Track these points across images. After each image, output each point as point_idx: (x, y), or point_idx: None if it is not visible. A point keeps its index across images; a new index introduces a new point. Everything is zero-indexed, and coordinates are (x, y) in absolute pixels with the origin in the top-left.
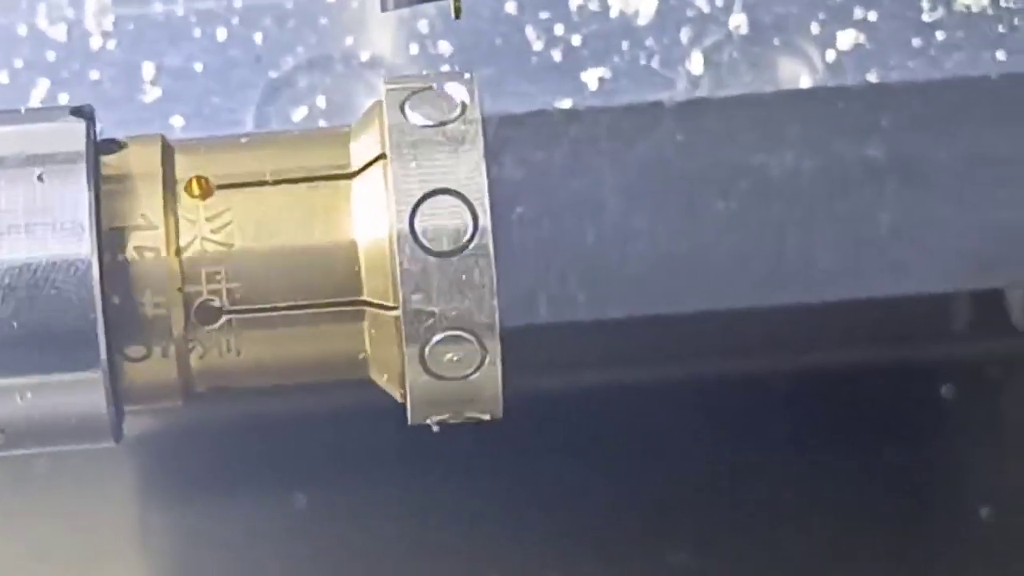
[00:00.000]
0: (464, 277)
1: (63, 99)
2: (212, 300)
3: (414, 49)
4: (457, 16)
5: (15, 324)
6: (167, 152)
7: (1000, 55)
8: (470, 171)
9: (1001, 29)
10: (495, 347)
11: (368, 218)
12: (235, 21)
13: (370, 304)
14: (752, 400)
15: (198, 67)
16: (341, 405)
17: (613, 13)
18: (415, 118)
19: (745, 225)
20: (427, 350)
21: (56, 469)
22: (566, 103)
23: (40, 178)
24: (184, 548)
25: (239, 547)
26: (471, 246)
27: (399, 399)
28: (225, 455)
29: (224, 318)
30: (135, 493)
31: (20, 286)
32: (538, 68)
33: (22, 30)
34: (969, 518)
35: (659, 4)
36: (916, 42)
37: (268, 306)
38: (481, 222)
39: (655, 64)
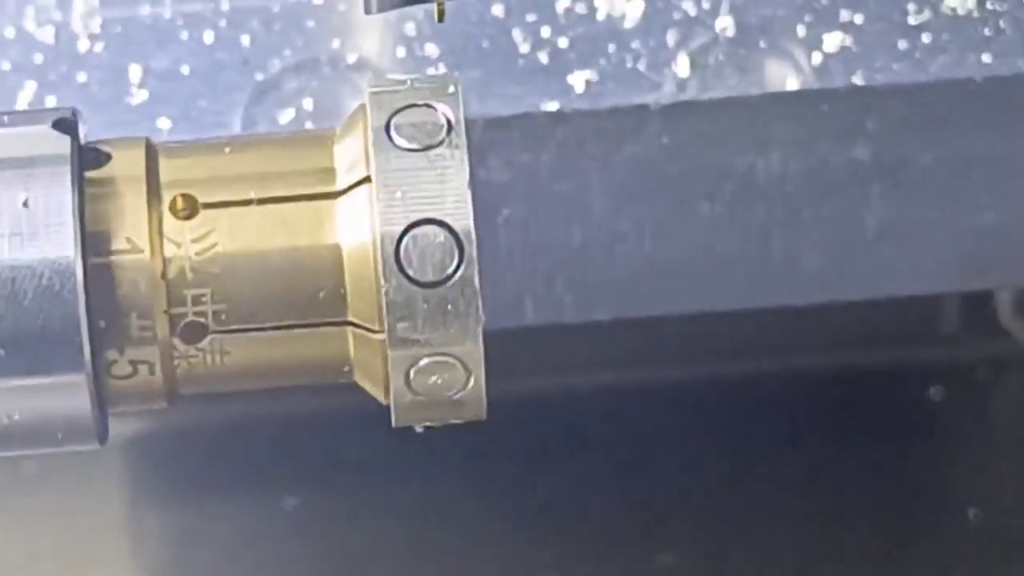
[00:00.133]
0: (450, 307)
1: (50, 101)
2: (198, 320)
3: (401, 52)
4: (440, 19)
5: None
6: (151, 165)
7: (986, 58)
8: (456, 200)
9: (987, 32)
10: (479, 370)
11: (353, 242)
12: (222, 24)
13: (355, 325)
14: (741, 402)
15: (185, 69)
16: (331, 407)
17: (600, 16)
18: (400, 140)
19: (731, 227)
20: (412, 372)
21: (46, 471)
22: (553, 105)
23: (25, 204)
24: (175, 550)
25: (230, 549)
26: (456, 276)
27: (384, 403)
28: (215, 457)
29: (210, 337)
30: (125, 495)
31: (4, 292)
32: (525, 70)
33: (9, 32)
34: (957, 519)
35: (646, 7)
36: (902, 44)
37: (254, 326)
38: (467, 252)
39: (641, 67)
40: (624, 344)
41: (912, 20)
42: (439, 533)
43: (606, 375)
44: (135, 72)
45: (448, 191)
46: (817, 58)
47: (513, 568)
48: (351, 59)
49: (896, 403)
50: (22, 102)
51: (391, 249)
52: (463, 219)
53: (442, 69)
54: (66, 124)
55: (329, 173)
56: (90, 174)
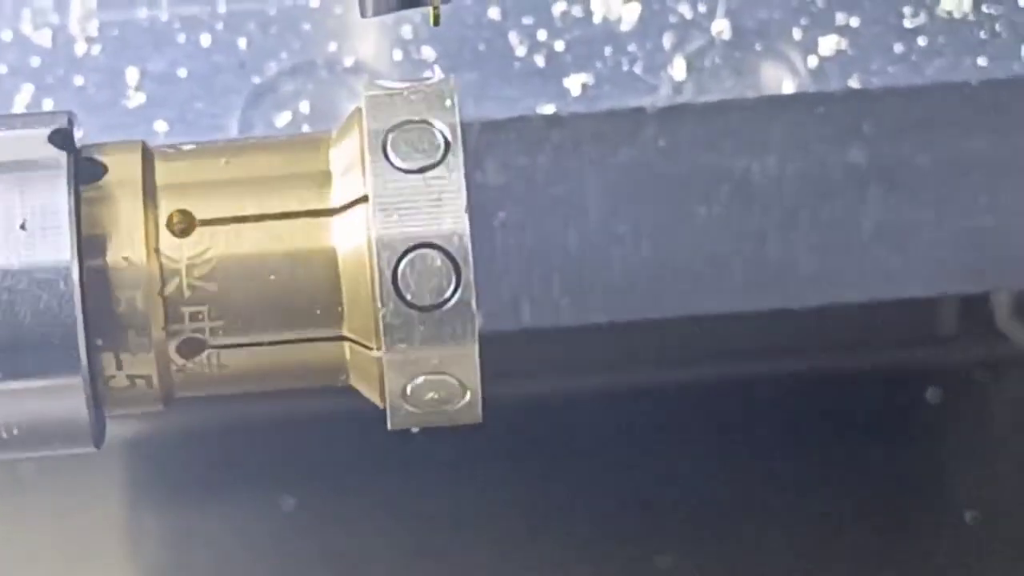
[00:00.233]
0: (447, 329)
1: (47, 104)
2: (196, 336)
3: (397, 55)
4: (436, 23)
5: None
6: (148, 177)
7: (981, 61)
8: (453, 223)
9: (982, 35)
10: (476, 386)
11: (350, 261)
12: (219, 27)
13: (352, 340)
14: (738, 404)
15: (182, 73)
16: (329, 408)
17: (596, 19)
18: (397, 160)
19: (727, 230)
20: (408, 388)
21: (43, 473)
22: (549, 108)
23: (23, 226)
24: (173, 552)
25: (227, 550)
26: (454, 300)
27: (381, 407)
28: (213, 458)
29: (207, 351)
30: (123, 497)
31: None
32: (521, 73)
33: (7, 35)
34: (955, 521)
35: (642, 10)
36: (898, 48)
37: (251, 340)
38: (464, 276)
39: (638, 70)
40: (620, 347)
41: (908, 23)
42: (438, 534)
43: (603, 378)
44: (132, 75)
45: (445, 214)
46: (813, 61)
47: (512, 570)
48: (347, 62)
49: (893, 405)
50: (19, 105)
51: (388, 274)
52: (461, 243)
53: (439, 72)
54: (62, 137)
55: (326, 182)
56: (86, 194)
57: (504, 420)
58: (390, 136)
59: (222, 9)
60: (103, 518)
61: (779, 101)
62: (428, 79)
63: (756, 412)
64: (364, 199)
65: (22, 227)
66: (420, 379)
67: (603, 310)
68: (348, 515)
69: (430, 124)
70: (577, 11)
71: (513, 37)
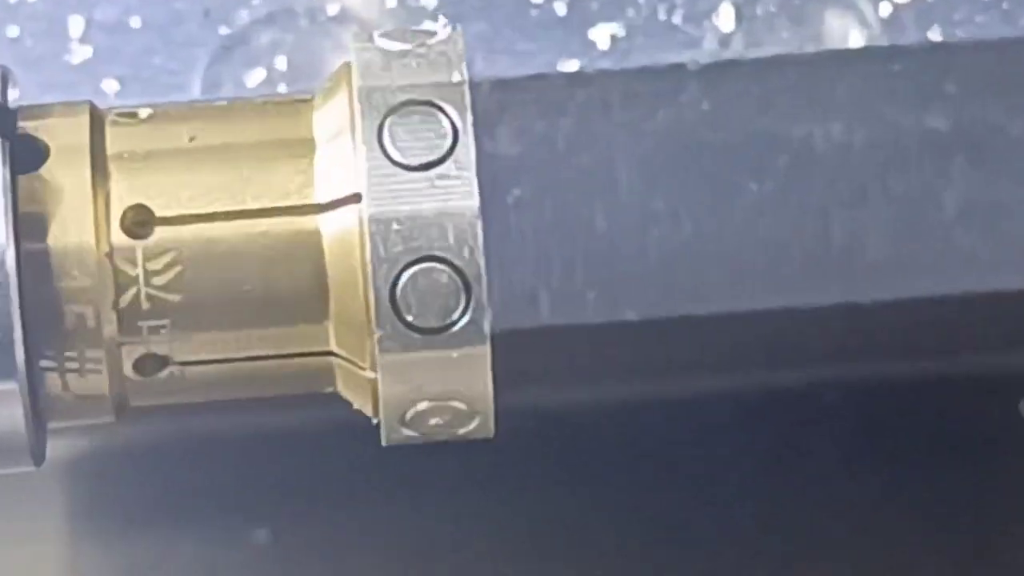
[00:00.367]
0: (455, 355)
1: None
2: (156, 352)
3: (391, 1)
4: None
5: None
6: (98, 161)
7: None
8: (462, 231)
9: None
10: (488, 411)
11: (340, 271)
12: None
13: (341, 357)
14: (795, 415)
15: (135, 22)
16: (310, 420)
17: None
18: (396, 154)
19: (784, 209)
20: (408, 415)
21: None
22: (572, 65)
23: None
24: None
25: None
26: (463, 322)
27: (373, 419)
28: (170, 480)
29: (170, 368)
30: (64, 527)
31: None
32: (539, 23)
33: None
34: None
35: None
36: None
37: (222, 357)
38: (475, 294)
39: (677, 19)
40: (656, 347)
41: None
42: (433, 566)
43: (634, 384)
44: (76, 24)
45: (454, 221)
46: (886, 9)
47: None
48: (332, 10)
49: (978, 418)
50: None
51: (386, 291)
52: (472, 257)
53: (441, 23)
54: None
55: (309, 167)
56: (24, 185)
57: (514, 433)
58: (388, 122)
59: None
60: (39, 552)
61: (845, 56)
62: (429, 32)
63: (813, 425)
64: (356, 197)
65: None
66: (423, 405)
67: (636, 305)
68: (331, 549)
69: (435, 106)
70: None
71: None
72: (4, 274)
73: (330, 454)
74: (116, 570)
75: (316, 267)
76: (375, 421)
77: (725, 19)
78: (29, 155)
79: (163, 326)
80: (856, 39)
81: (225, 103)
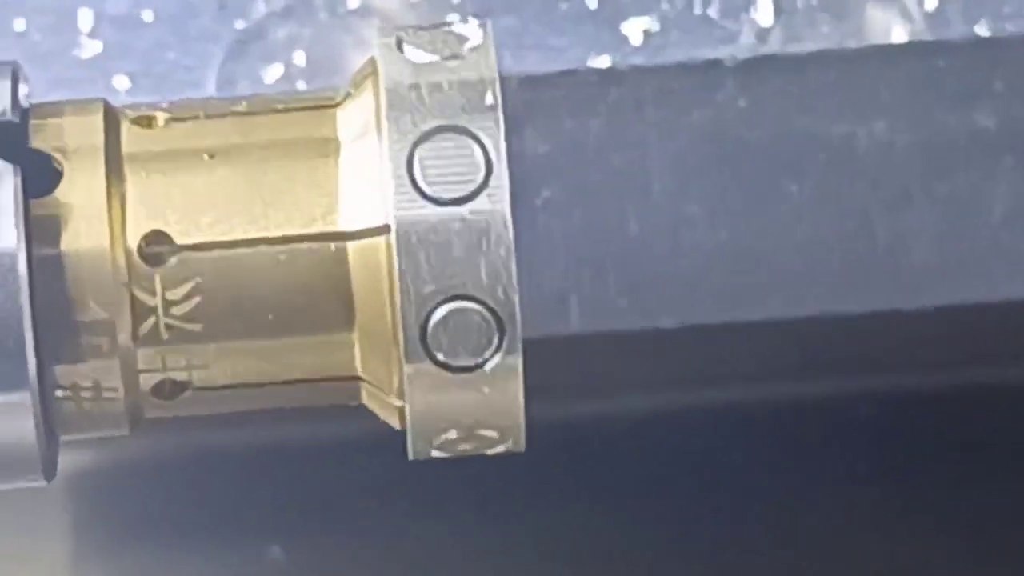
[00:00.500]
0: (487, 390)
1: None
2: (175, 378)
3: None
4: None
5: None
6: (113, 191)
7: None
8: (496, 270)
9: None
10: (520, 435)
11: (368, 303)
12: None
13: (368, 382)
14: (834, 427)
15: (147, 15)
16: (324, 434)
17: None
18: (426, 186)
19: (824, 211)
20: (437, 441)
21: None
22: (603, 61)
23: None
24: None
25: None
26: (495, 360)
27: (394, 423)
28: (180, 495)
29: (190, 392)
30: (70, 544)
31: None
32: (569, 17)
33: None
34: None
35: None
36: None
37: (245, 382)
38: (509, 334)
39: (713, 12)
40: (690, 356)
41: None
42: None
43: (668, 393)
44: (85, 18)
45: (487, 259)
46: (931, 2)
47: None
48: (353, 2)
49: None
50: None
51: (416, 330)
52: (507, 296)
53: (465, 15)
54: (9, 134)
55: (335, 189)
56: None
57: (542, 446)
58: (417, 151)
59: None
60: (42, 570)
61: (888, 52)
62: (459, 36)
63: (852, 435)
64: (384, 229)
65: None
66: (452, 434)
67: (670, 311)
68: (345, 565)
69: (467, 132)
70: None
71: None
72: (19, 300)
73: (344, 468)
74: None
75: (342, 296)
76: (400, 428)
77: (763, 13)
78: (42, 176)
79: (182, 354)
80: (899, 34)
81: (244, 105)
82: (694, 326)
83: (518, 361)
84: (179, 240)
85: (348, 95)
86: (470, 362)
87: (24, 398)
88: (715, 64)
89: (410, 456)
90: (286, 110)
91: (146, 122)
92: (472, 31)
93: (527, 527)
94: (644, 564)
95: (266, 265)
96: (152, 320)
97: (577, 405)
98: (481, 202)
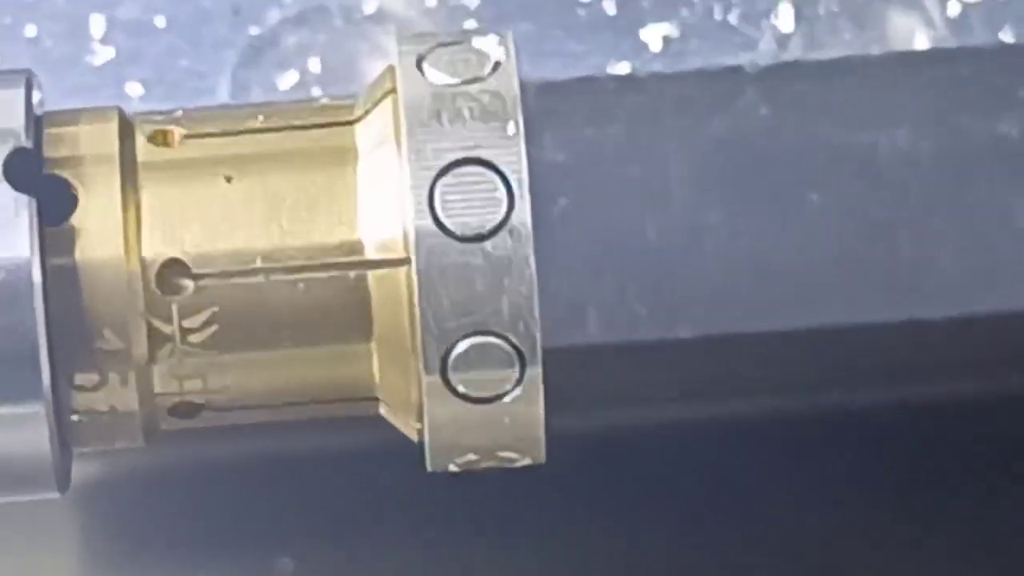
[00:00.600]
0: (507, 420)
1: None
2: (192, 400)
3: (431, 0)
4: None
5: None
6: (129, 218)
7: None
8: (518, 306)
9: None
10: (541, 453)
11: (387, 328)
12: None
13: (387, 403)
14: (858, 439)
15: (160, 21)
16: (336, 445)
17: None
18: (448, 222)
19: (846, 221)
20: (457, 461)
21: None
22: (622, 67)
23: None
24: None
25: None
26: (516, 392)
27: (414, 438)
28: (189, 506)
29: (205, 413)
30: (80, 556)
31: None
32: (587, 24)
33: None
34: None
35: None
36: None
37: (262, 404)
38: (530, 366)
39: (733, 18)
40: (710, 367)
41: None
42: None
43: (687, 405)
44: (97, 24)
45: (509, 296)
46: (954, 8)
47: None
48: (368, 8)
49: None
50: None
51: (436, 364)
52: (527, 331)
53: (481, 21)
54: (22, 161)
55: (353, 204)
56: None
57: (561, 458)
58: (439, 184)
59: None
60: None
61: (911, 59)
62: (480, 53)
63: (873, 447)
64: (405, 260)
65: None
66: (471, 456)
67: (689, 322)
68: None
69: (490, 164)
70: None
71: None
72: (33, 313)
73: (355, 479)
74: None
75: (361, 322)
76: (413, 437)
77: (784, 19)
78: (59, 202)
79: (200, 378)
80: (922, 41)
81: (260, 119)
82: (713, 336)
83: (539, 392)
84: (196, 270)
85: (366, 112)
86: (491, 393)
87: (38, 409)
88: (735, 71)
89: (428, 466)
90: (303, 127)
91: (161, 138)
92: (493, 47)
93: (541, 538)
94: (661, 571)
95: (284, 293)
96: (169, 348)
97: (594, 415)
98: (503, 239)
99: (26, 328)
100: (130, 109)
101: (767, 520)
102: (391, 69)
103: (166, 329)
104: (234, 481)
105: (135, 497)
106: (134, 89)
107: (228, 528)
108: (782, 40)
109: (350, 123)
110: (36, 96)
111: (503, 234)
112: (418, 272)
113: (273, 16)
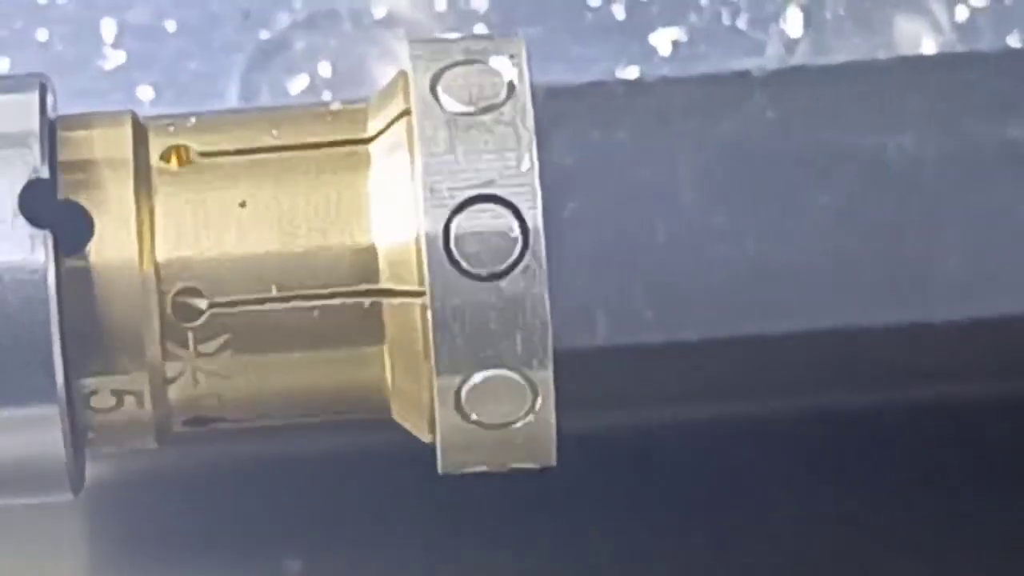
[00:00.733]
0: (520, 441)
1: (2, 65)
2: (207, 415)
3: (441, 4)
4: None
5: None
6: (144, 251)
7: None
8: (532, 343)
9: None
10: (552, 461)
11: (401, 354)
12: None
13: (401, 417)
14: (858, 440)
15: (171, 25)
16: (345, 445)
17: None
18: (464, 262)
19: (853, 224)
20: (469, 470)
21: None
22: (631, 72)
23: None
24: None
25: None
26: (528, 419)
27: (426, 440)
28: (195, 508)
29: (218, 424)
30: (86, 555)
31: None
32: (596, 28)
33: None
34: None
35: None
36: None
37: (274, 422)
38: (543, 397)
39: (742, 23)
40: (717, 369)
41: None
42: None
43: (695, 407)
44: (108, 28)
45: (523, 333)
46: (962, 13)
47: None
48: (378, 12)
49: None
50: None
51: (450, 396)
52: (542, 364)
53: (491, 25)
54: (35, 193)
55: (366, 218)
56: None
57: (572, 459)
58: (454, 223)
59: None
60: None
61: (919, 64)
62: (494, 72)
63: (879, 450)
64: (420, 293)
65: None
66: (483, 467)
67: (697, 324)
68: None
69: (505, 202)
70: None
71: None
72: (48, 317)
73: (364, 481)
74: None
75: (375, 350)
76: (425, 438)
77: (792, 24)
78: (75, 229)
79: (215, 397)
80: (929, 45)
81: (275, 133)
82: (721, 338)
83: (551, 417)
84: (211, 298)
85: (380, 133)
86: (504, 420)
87: (52, 411)
88: (743, 76)
89: (440, 469)
90: (317, 145)
91: (175, 156)
92: (507, 68)
93: (550, 540)
94: (669, 572)
95: (299, 320)
96: (184, 372)
97: (602, 416)
98: (516, 279)
99: (40, 330)
100: (141, 113)
101: (775, 521)
102: (404, 81)
103: (182, 353)
104: (241, 482)
105: (142, 498)
106: (145, 93)
107: (235, 529)
108: (790, 45)
109: (364, 141)
110: (50, 100)
111: (517, 274)
112: (432, 309)
113: (283, 20)
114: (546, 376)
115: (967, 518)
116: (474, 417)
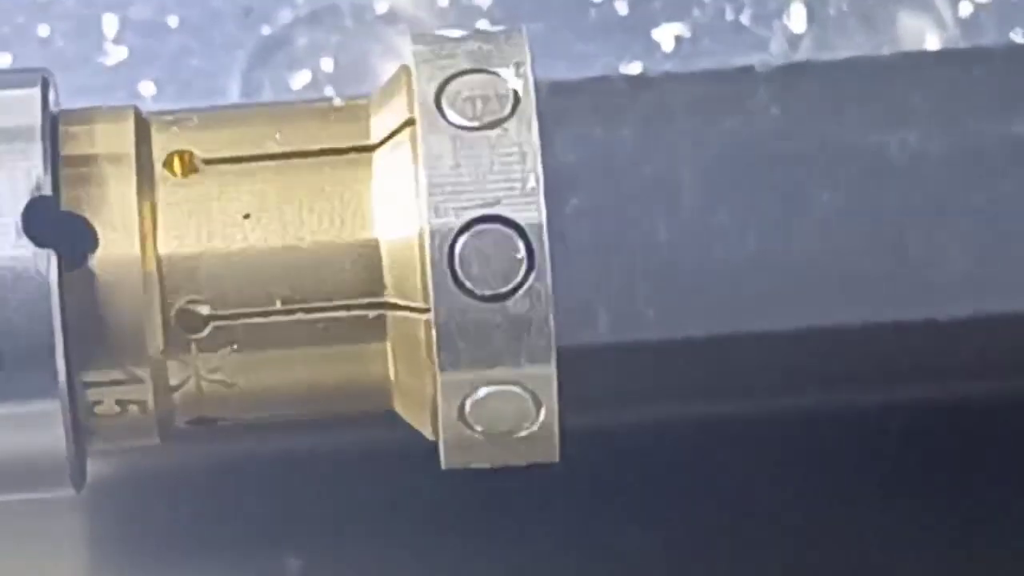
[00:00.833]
0: (523, 449)
1: (4, 61)
2: (210, 415)
3: (443, 0)
4: None
5: None
6: (148, 268)
7: None
8: (534, 358)
9: None
10: (555, 458)
11: (406, 364)
12: None
13: (405, 413)
14: (862, 439)
15: (172, 21)
16: (347, 442)
17: None
18: (468, 282)
19: (857, 221)
20: (471, 467)
21: None
22: (634, 67)
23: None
24: None
25: None
26: (532, 429)
27: (429, 437)
28: (195, 505)
29: (223, 423)
30: (86, 553)
31: None
32: (598, 24)
33: None
34: None
35: None
36: None
37: (278, 417)
38: (544, 416)
39: (745, 19)
40: (720, 366)
41: None
42: None
43: (697, 404)
44: (110, 24)
45: (528, 351)
46: (966, 8)
47: None
48: (380, 8)
49: None
50: None
51: (454, 410)
52: (546, 383)
53: (494, 21)
54: (42, 209)
55: (370, 233)
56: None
57: (573, 457)
58: (459, 243)
59: None
60: None
61: (923, 60)
62: (500, 81)
63: (882, 448)
64: (425, 310)
65: None
66: (486, 465)
67: (699, 321)
68: None
69: (511, 222)
70: None
71: None
72: (49, 311)
73: (365, 479)
74: None
75: (379, 362)
76: (428, 436)
77: (796, 19)
78: (79, 242)
79: (219, 403)
80: (933, 41)
81: (278, 137)
82: (724, 336)
83: (554, 426)
84: (216, 312)
85: (383, 141)
86: (508, 429)
87: (54, 407)
88: (747, 71)
89: (443, 459)
90: (320, 152)
91: (177, 164)
92: (512, 77)
93: (553, 538)
94: (672, 573)
95: (304, 332)
96: (188, 379)
97: (605, 415)
98: (522, 299)
99: (42, 326)
100: (143, 109)
101: (779, 520)
102: (407, 78)
103: (186, 361)
104: (242, 481)
105: (142, 495)
106: (147, 88)
107: (235, 528)
108: (793, 41)
109: (368, 149)
110: (52, 95)
111: (522, 294)
112: (436, 327)
113: (285, 16)
114: (550, 390)
115: (973, 517)
116: (478, 428)
